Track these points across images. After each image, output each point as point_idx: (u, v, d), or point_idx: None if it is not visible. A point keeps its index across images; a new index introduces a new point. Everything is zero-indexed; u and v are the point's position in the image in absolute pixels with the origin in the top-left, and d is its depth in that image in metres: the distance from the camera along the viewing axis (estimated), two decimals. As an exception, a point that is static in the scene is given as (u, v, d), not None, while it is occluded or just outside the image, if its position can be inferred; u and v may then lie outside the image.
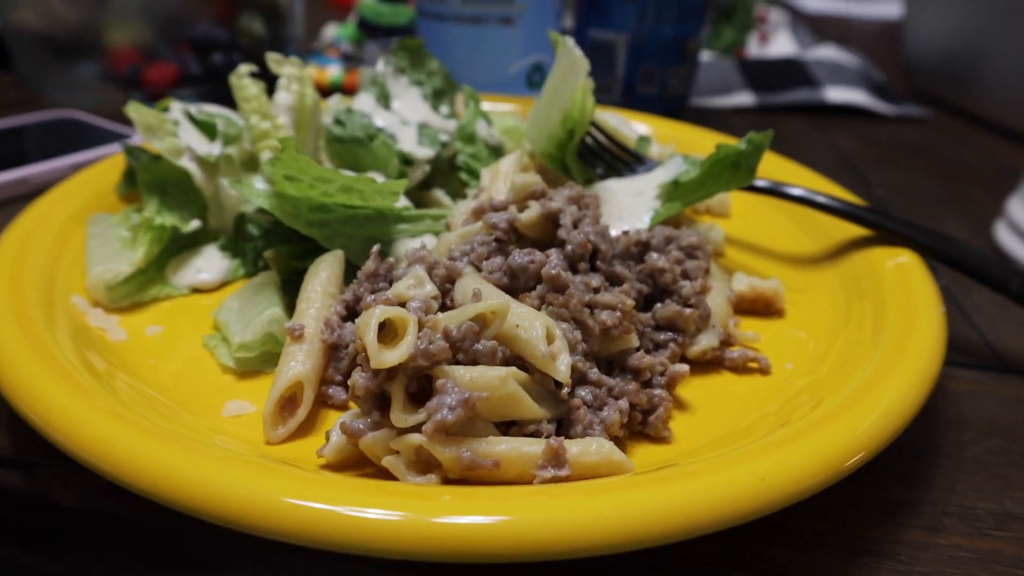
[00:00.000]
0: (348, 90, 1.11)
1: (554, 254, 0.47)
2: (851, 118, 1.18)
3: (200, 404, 0.44)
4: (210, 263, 0.57)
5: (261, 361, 0.47)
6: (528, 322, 0.41)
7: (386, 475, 0.38)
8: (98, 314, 0.51)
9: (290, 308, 0.50)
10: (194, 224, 0.58)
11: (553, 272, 0.44)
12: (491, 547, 0.31)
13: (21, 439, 0.44)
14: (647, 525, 0.32)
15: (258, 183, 0.53)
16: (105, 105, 1.01)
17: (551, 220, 0.50)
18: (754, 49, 1.52)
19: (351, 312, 0.48)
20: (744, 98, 1.19)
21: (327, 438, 0.39)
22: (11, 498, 0.43)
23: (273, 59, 0.64)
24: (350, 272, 0.52)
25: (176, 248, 0.58)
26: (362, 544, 0.31)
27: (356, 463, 0.39)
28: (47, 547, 0.45)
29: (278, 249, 0.54)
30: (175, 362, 0.48)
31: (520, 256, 0.46)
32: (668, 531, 0.32)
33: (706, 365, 0.50)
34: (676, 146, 0.79)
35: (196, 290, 0.56)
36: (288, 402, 0.43)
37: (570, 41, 0.62)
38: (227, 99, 0.69)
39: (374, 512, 0.31)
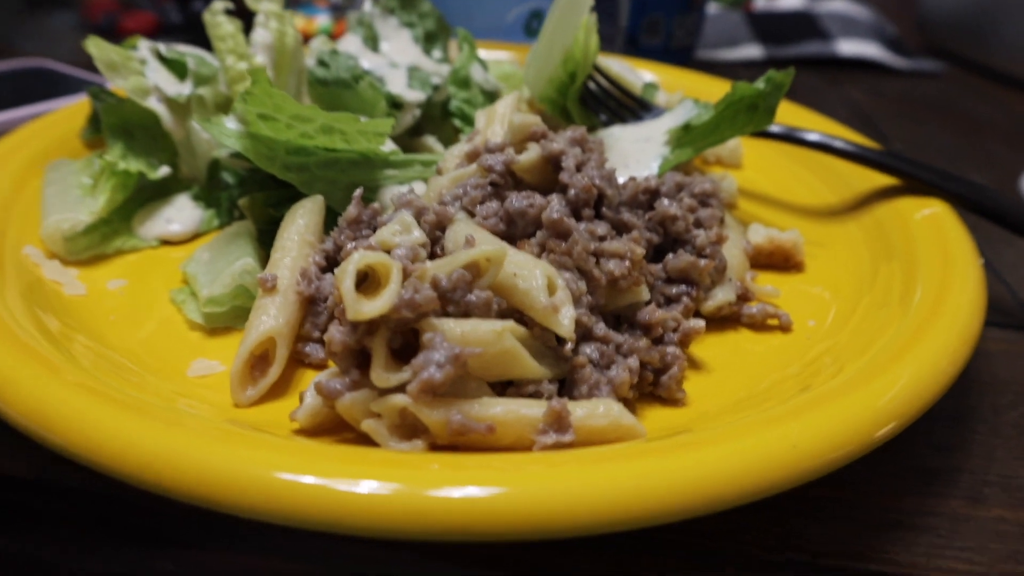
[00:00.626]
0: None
1: (555, 199, 0.43)
2: (864, 72, 1.13)
3: (164, 364, 0.40)
4: (181, 213, 0.53)
5: (232, 316, 0.43)
6: (527, 271, 0.36)
7: (366, 441, 0.33)
8: (54, 266, 0.47)
9: (266, 259, 0.46)
10: (163, 171, 0.53)
11: (555, 216, 0.40)
12: (485, 524, 0.27)
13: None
14: (666, 499, 0.28)
15: (230, 123, 0.48)
16: (81, 55, 0.95)
17: (552, 163, 0.46)
18: (761, 2, 1.46)
19: (331, 262, 0.43)
20: (752, 51, 1.14)
21: (301, 400, 0.35)
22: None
23: (250, -6, 0.59)
24: (331, 220, 0.48)
25: (144, 198, 0.54)
26: (338, 523, 0.27)
27: (333, 427, 0.35)
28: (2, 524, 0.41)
29: (253, 196, 0.50)
30: (138, 319, 0.44)
31: (518, 200, 0.41)
32: (689, 505, 0.28)
33: (721, 321, 0.46)
34: (684, 94, 0.74)
35: (166, 242, 0.52)
36: (260, 360, 0.38)
37: (572, -28, 0.57)
38: (208, 49, 0.64)
39: (344, 484, 0.27)
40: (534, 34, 0.93)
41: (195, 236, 0.53)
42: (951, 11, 1.22)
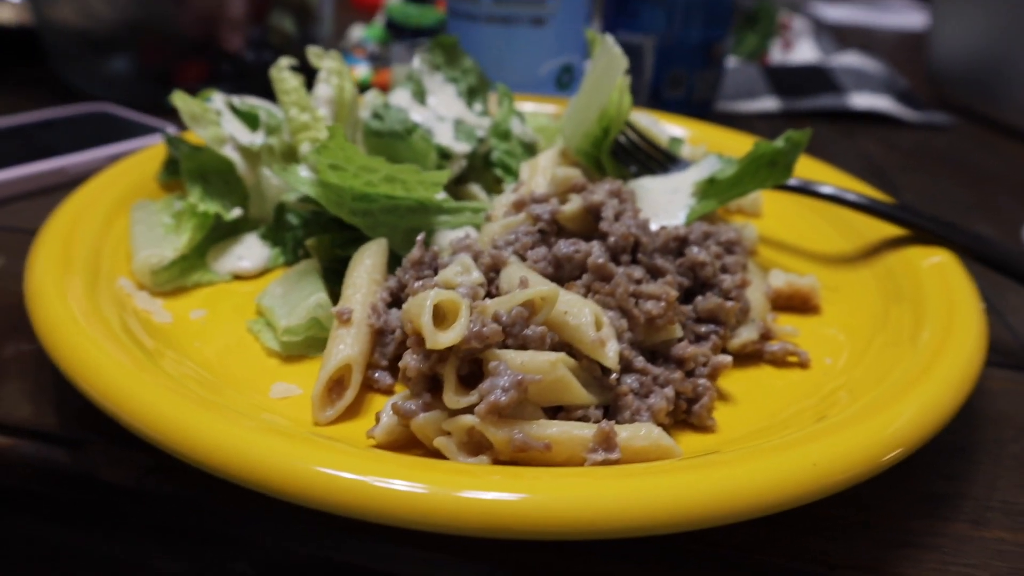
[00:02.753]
0: (378, 89, 1.11)
1: (596, 245, 0.48)
2: (876, 125, 1.18)
3: (247, 385, 0.45)
4: (251, 251, 0.58)
5: (306, 346, 0.48)
6: (577, 309, 0.41)
7: (436, 456, 0.38)
8: (144, 297, 0.52)
9: (332, 294, 0.51)
10: (235, 212, 0.59)
11: (600, 261, 0.45)
12: (526, 525, 0.32)
13: (68, 416, 0.45)
14: (695, 507, 0.32)
15: (303, 172, 0.53)
16: (136, 100, 1.02)
17: (592, 212, 0.51)
18: (777, 56, 1.52)
19: (395, 299, 0.48)
20: (769, 103, 1.20)
21: (377, 419, 0.40)
22: (58, 475, 0.44)
23: (314, 53, 0.65)
24: (392, 261, 0.53)
25: (216, 236, 0.59)
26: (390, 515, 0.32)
27: (406, 445, 0.40)
28: (91, 524, 0.45)
29: (320, 237, 0.55)
30: (220, 344, 0.49)
31: (566, 246, 0.46)
32: (717, 514, 0.33)
33: (745, 358, 0.51)
34: (707, 147, 0.79)
35: (237, 277, 0.57)
36: (336, 384, 0.43)
37: (610, 39, 0.62)
38: (258, 96, 0.70)
39: (400, 484, 0.32)
40: (565, 87, 0.99)
41: (263, 272, 0.58)
42: (961, 66, 1.27)
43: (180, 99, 0.59)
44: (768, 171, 0.58)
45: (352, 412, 0.43)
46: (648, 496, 0.32)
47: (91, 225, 0.55)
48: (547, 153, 0.60)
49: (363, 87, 1.12)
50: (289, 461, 0.33)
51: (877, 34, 2.09)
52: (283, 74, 0.65)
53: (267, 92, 0.67)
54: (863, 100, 1.19)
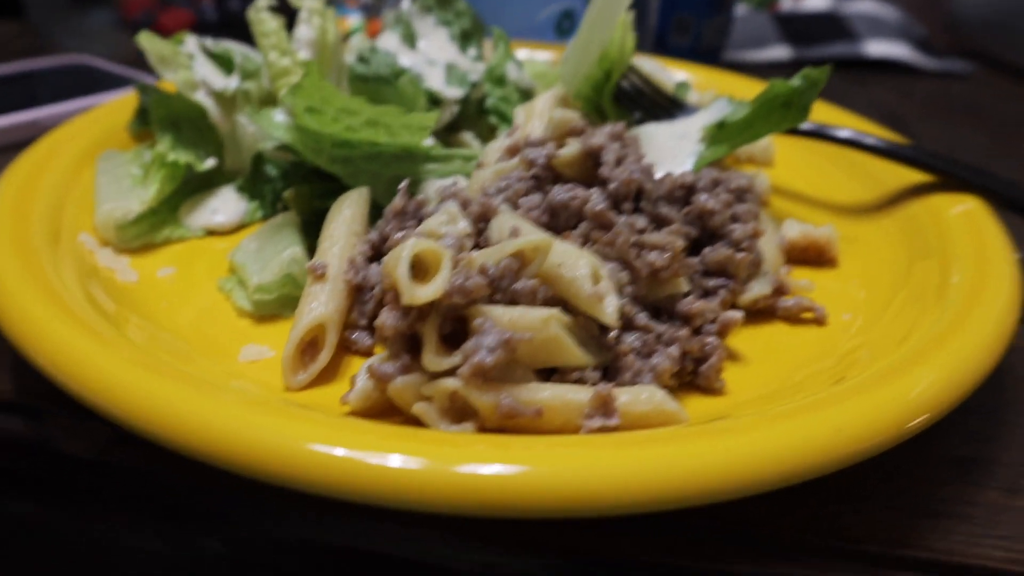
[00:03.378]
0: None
1: (596, 192, 0.44)
2: (892, 73, 1.13)
3: (216, 349, 0.42)
4: (226, 204, 0.54)
5: (280, 304, 0.44)
6: (572, 260, 0.37)
7: (415, 424, 0.35)
8: (107, 254, 0.48)
9: (311, 250, 0.47)
10: (209, 162, 0.55)
11: (598, 208, 0.41)
12: (525, 502, 0.28)
13: (25, 383, 0.42)
14: (709, 479, 0.29)
15: (278, 116, 0.49)
16: (118, 52, 0.98)
17: (592, 157, 0.47)
18: (788, 3, 1.46)
19: (377, 252, 0.44)
20: (779, 52, 1.14)
21: (352, 383, 0.36)
22: (15, 445, 0.41)
23: (293, -9, 0.61)
24: (374, 213, 0.49)
25: (190, 189, 0.55)
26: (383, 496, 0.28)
27: (383, 411, 0.36)
28: (52, 498, 0.42)
29: (298, 188, 0.51)
30: (189, 305, 0.45)
31: (561, 192, 0.42)
32: (735, 485, 0.29)
33: (757, 314, 0.47)
34: (716, 93, 0.75)
35: (211, 232, 0.53)
36: (309, 346, 0.40)
37: (610, -30, 0.57)
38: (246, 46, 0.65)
39: (396, 459, 0.28)
40: (565, 34, 0.94)
41: (239, 227, 0.54)
42: (981, 11, 1.21)
43: (147, 39, 0.55)
44: (782, 113, 0.54)
45: (328, 376, 0.40)
46: (651, 468, 0.29)
47: (53, 177, 0.51)
48: (544, 96, 0.56)
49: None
50: (257, 436, 0.30)
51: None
52: (261, 15, 0.60)
53: (252, 42, 0.63)
54: (878, 47, 1.14)
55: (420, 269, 0.36)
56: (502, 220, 0.42)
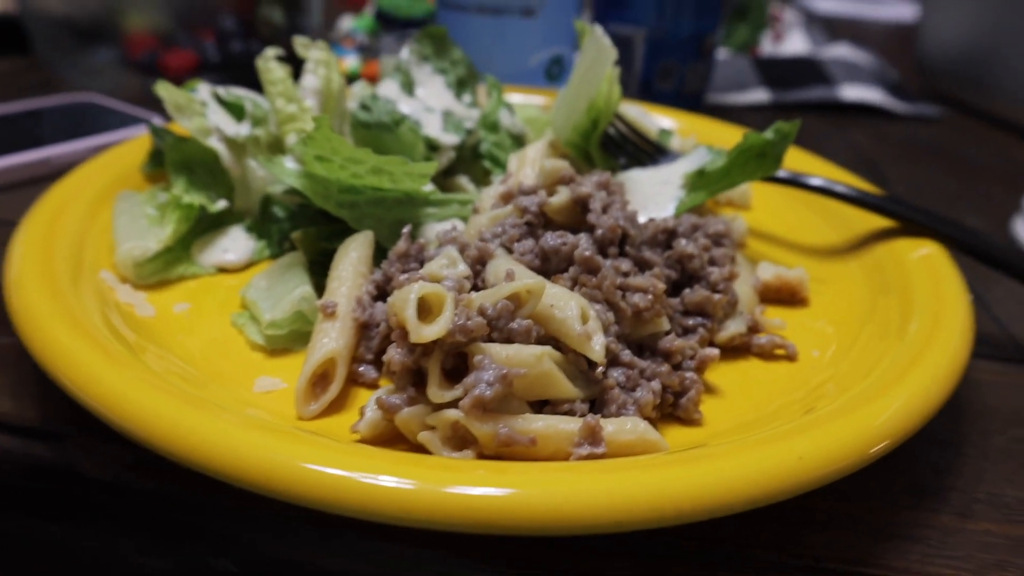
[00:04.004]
0: (367, 80, 1.11)
1: (584, 238, 0.47)
2: (867, 116, 1.18)
3: (231, 379, 0.45)
4: (236, 243, 0.57)
5: (290, 339, 0.47)
6: (563, 302, 0.41)
7: (420, 452, 0.38)
8: (126, 290, 0.51)
9: (317, 288, 0.50)
10: (220, 204, 0.58)
11: (587, 254, 0.44)
12: (521, 521, 0.31)
13: (49, 410, 0.45)
14: (686, 500, 0.32)
15: (288, 163, 0.53)
16: (122, 90, 1.01)
17: (580, 205, 0.50)
18: (768, 48, 1.52)
19: (381, 292, 0.48)
20: (759, 95, 1.19)
21: (361, 414, 0.40)
22: (38, 469, 0.43)
23: (300, 43, 0.64)
24: (378, 254, 0.53)
25: (201, 228, 0.58)
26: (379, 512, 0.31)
27: (390, 439, 0.39)
28: (73, 519, 0.45)
29: (306, 230, 0.54)
30: (204, 338, 0.48)
31: (552, 238, 0.46)
32: (704, 507, 0.32)
33: (733, 351, 0.50)
34: (697, 139, 0.79)
35: (221, 269, 0.57)
36: (320, 378, 0.43)
37: (599, 29, 0.62)
38: (246, 87, 0.69)
39: (388, 480, 0.31)
40: (555, 79, 0.98)
41: (248, 264, 0.57)
42: (951, 57, 1.27)
43: (164, 89, 0.59)
44: (757, 163, 0.58)
45: (336, 407, 0.43)
46: (635, 490, 0.32)
47: (74, 216, 0.54)
48: (536, 145, 0.60)
49: (352, 78, 1.11)
50: (273, 456, 0.33)
51: (867, 26, 2.09)
52: (269, 64, 0.64)
53: (254, 83, 0.66)
54: (853, 92, 1.19)
55: (424, 309, 0.39)
56: (498, 263, 0.45)
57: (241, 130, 0.60)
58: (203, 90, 0.63)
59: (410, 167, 0.52)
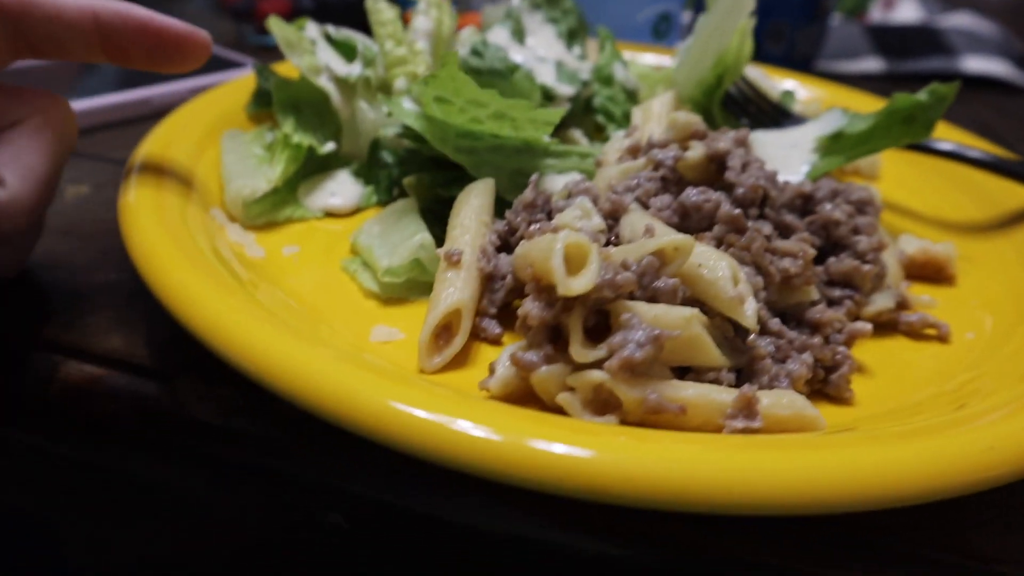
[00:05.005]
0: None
1: (723, 196, 0.44)
2: (989, 90, 1.10)
3: (346, 326, 0.42)
4: (343, 187, 0.55)
5: (406, 288, 0.45)
6: (713, 262, 0.37)
7: (553, 413, 0.35)
8: (236, 229, 0.49)
9: (432, 236, 0.48)
10: (329, 146, 0.56)
11: (735, 212, 0.41)
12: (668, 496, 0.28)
13: (157, 349, 0.43)
14: (875, 487, 0.29)
15: (407, 104, 0.50)
16: (217, 36, 1.00)
17: (716, 162, 0.47)
18: (877, 15, 1.43)
19: (505, 243, 0.45)
20: (872, 64, 1.13)
21: (491, 370, 0.37)
22: (147, 408, 0.42)
23: (412, -18, 0.61)
24: (496, 204, 0.50)
25: (307, 171, 0.56)
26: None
27: (521, 399, 0.37)
28: (181, 462, 0.43)
29: (419, 176, 0.52)
30: (314, 283, 0.46)
31: (695, 194, 0.42)
32: (879, 497, 0.29)
33: (879, 328, 0.46)
34: (822, 104, 0.74)
35: (328, 214, 0.54)
36: (443, 331, 0.40)
37: (735, -25, 0.57)
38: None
39: (557, 447, 0.29)
40: (661, 36, 0.94)
41: (355, 210, 0.55)
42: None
43: (276, 25, 0.56)
44: (904, 128, 0.53)
45: (458, 361, 0.40)
46: (805, 472, 0.29)
47: (182, 154, 0.53)
48: (661, 98, 0.56)
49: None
50: (405, 407, 0.30)
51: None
52: (379, 5, 0.62)
53: (353, 28, 0.64)
54: (977, 63, 1.11)
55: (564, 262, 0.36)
56: (633, 218, 0.42)
57: (353, 70, 0.58)
58: (312, 28, 0.61)
59: (535, 113, 0.49)
